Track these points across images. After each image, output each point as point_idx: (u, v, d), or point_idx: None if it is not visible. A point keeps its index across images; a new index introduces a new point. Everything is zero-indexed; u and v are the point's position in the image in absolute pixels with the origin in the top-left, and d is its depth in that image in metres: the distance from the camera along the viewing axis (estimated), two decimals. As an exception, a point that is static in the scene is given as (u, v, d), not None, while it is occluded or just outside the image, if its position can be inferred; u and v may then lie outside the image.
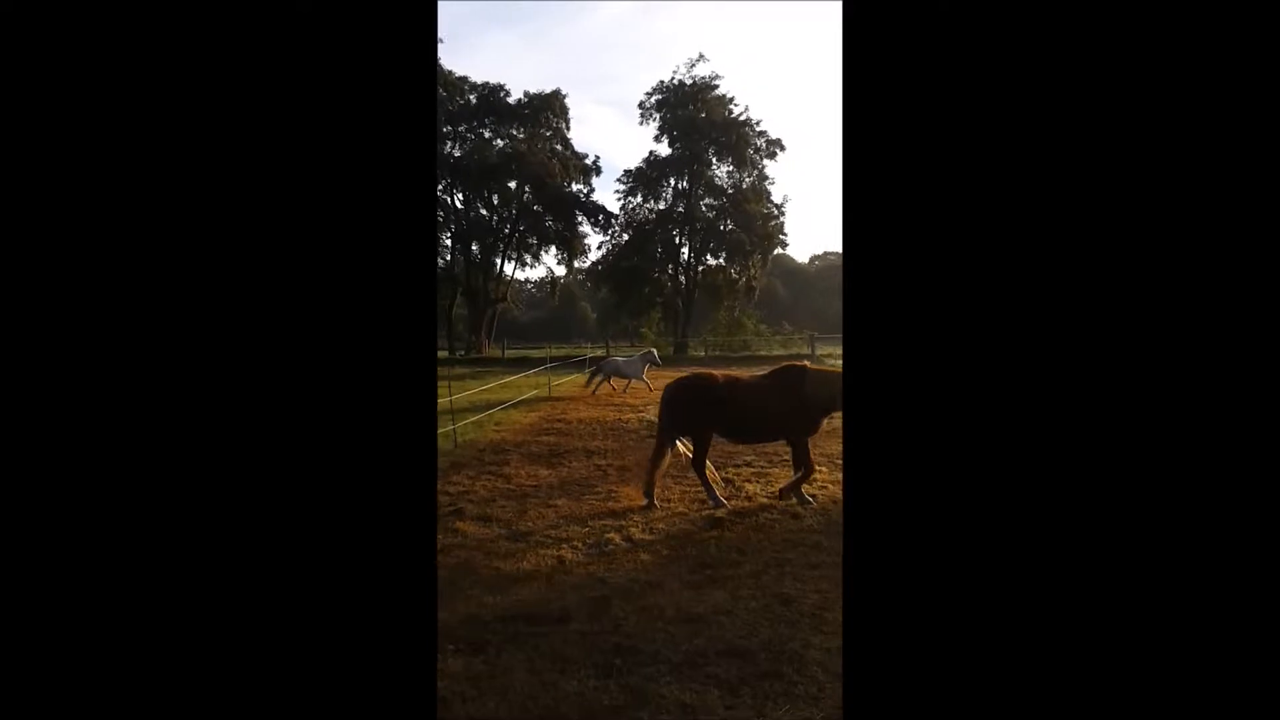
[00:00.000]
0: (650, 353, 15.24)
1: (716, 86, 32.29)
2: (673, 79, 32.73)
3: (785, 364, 6.14)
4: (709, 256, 33.30)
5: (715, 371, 6.35)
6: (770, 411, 5.54)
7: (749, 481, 6.19)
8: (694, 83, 32.24)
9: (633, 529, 4.87)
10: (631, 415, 10.78)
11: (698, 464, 5.65)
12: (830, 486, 6.02)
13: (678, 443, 5.83)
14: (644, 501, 5.54)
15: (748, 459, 7.11)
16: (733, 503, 5.53)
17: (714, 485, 5.71)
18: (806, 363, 6.29)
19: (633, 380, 14.56)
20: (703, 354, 27.20)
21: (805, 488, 5.63)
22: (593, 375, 14.88)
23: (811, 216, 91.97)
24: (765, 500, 5.59)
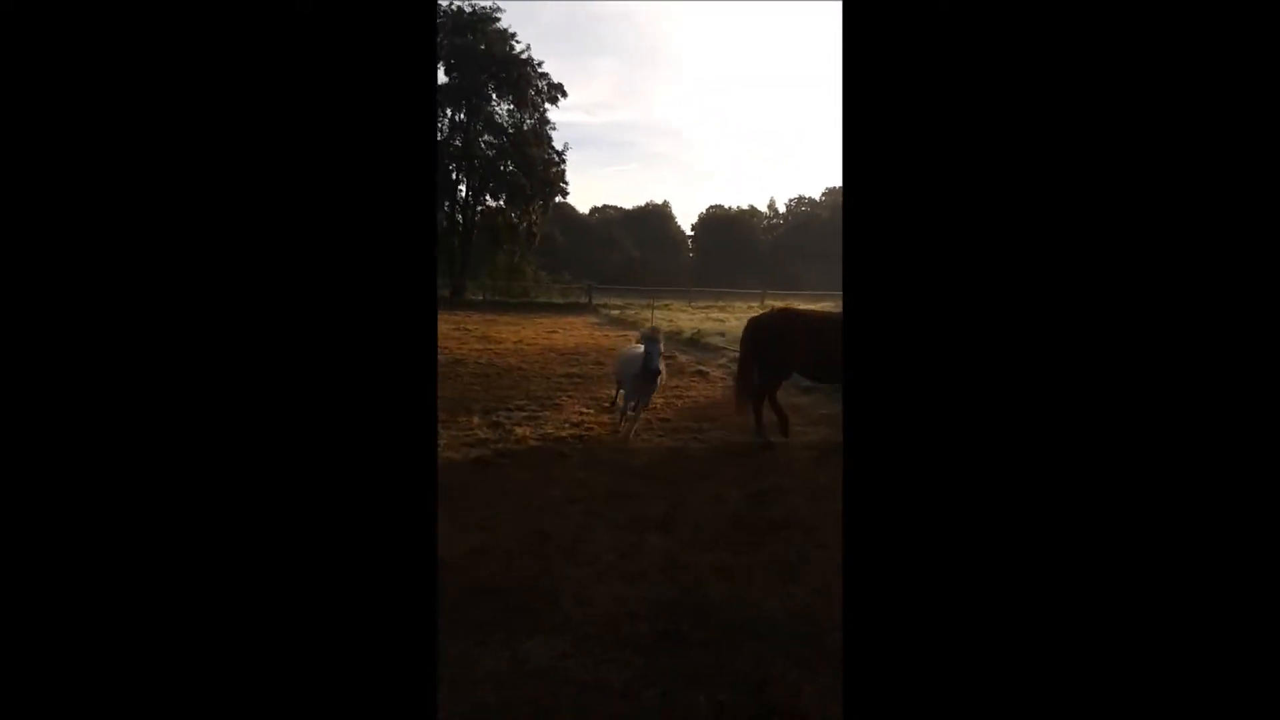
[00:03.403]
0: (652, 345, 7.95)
1: (498, 19, 30.66)
2: (451, 4, 30.36)
3: None
4: (488, 197, 32.05)
5: (801, 309, 6.35)
6: None
7: (519, 425, 6.18)
8: (474, 11, 30.30)
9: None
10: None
11: (769, 397, 5.84)
12: (596, 428, 6.22)
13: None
14: (763, 439, 5.65)
15: (519, 403, 7.09)
16: (501, 445, 5.48)
17: (768, 422, 5.85)
18: None
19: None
20: (481, 298, 26.46)
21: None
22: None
23: (591, 167, 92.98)
24: (535, 442, 5.61)
